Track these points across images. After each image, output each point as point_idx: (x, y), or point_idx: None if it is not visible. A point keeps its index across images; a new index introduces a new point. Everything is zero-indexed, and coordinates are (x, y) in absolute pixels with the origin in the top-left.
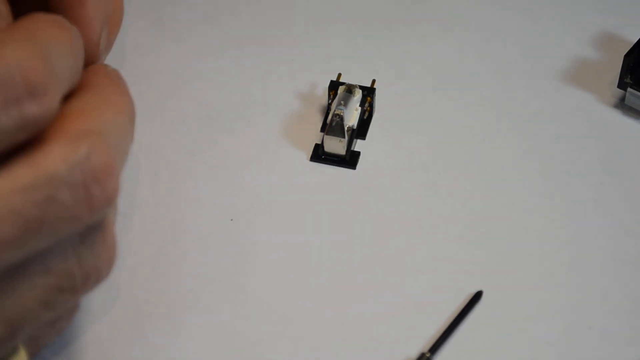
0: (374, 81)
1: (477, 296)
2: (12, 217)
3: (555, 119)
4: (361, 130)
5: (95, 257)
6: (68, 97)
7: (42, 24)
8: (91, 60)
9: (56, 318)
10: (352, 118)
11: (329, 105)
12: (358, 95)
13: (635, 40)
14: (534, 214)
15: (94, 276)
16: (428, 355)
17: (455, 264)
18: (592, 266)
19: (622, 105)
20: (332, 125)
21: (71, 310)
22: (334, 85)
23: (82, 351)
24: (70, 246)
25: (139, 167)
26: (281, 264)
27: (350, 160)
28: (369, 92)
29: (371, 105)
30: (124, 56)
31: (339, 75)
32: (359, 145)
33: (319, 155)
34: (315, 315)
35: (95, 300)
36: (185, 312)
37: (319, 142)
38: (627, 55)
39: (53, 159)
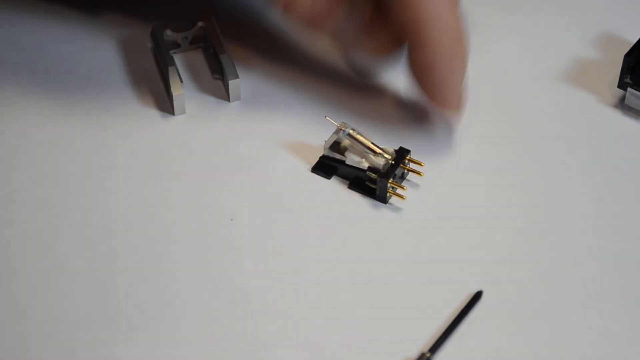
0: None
1: (477, 296)
2: None
3: (555, 119)
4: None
5: None
6: None
7: None
8: None
9: None
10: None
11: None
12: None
13: (635, 40)
14: (534, 213)
15: None
16: (428, 355)
17: (455, 264)
18: (592, 266)
19: (622, 105)
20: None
21: None
22: None
23: (83, 351)
24: None
25: (139, 167)
26: (281, 264)
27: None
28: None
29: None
30: (122, 57)
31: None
32: None
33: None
34: (315, 315)
35: (95, 300)
36: (185, 312)
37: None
38: (627, 55)
39: None
